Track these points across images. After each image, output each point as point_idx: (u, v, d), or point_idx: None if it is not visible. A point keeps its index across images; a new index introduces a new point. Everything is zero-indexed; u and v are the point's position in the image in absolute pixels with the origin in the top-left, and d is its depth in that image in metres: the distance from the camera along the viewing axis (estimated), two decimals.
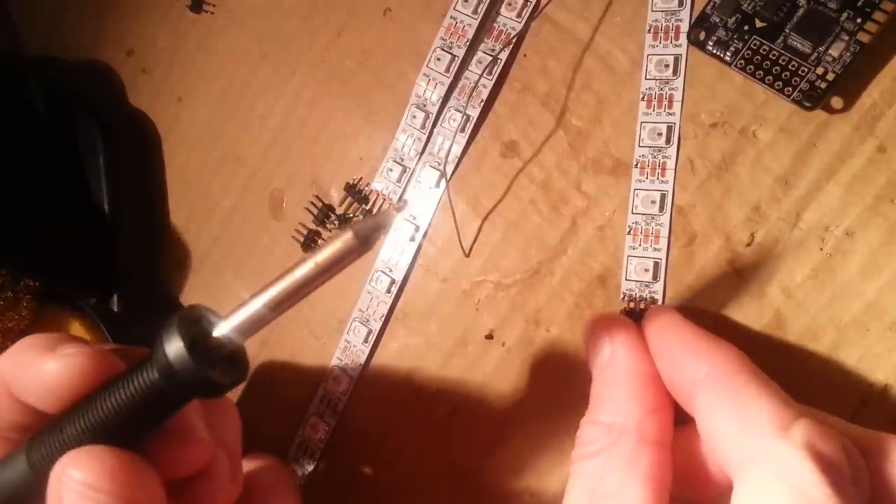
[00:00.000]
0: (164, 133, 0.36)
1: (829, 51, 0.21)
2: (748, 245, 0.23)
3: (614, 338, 0.22)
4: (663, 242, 0.24)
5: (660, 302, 0.24)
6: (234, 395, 0.34)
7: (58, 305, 0.36)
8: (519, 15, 0.26)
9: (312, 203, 0.31)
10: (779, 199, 0.23)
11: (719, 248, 0.24)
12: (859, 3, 0.21)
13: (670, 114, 0.24)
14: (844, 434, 0.17)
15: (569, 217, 0.26)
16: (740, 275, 0.23)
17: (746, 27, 0.23)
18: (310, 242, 0.31)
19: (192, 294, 0.36)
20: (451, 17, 0.27)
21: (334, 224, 0.31)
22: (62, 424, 0.18)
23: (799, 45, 0.22)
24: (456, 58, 0.27)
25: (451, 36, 0.28)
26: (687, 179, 0.24)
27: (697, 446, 0.20)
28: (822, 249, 0.22)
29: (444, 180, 0.28)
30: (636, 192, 0.25)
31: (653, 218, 0.24)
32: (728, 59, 0.23)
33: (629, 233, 0.25)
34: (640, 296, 0.25)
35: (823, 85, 0.22)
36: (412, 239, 0.29)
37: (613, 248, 0.25)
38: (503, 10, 0.27)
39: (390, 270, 0.29)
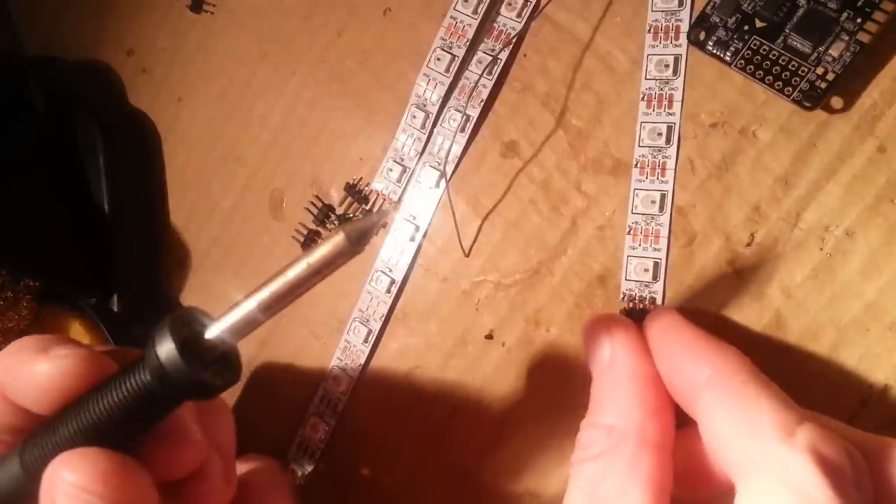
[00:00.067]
0: (164, 133, 0.36)
1: (829, 51, 0.21)
2: (748, 245, 0.23)
3: (614, 338, 0.21)
4: (663, 242, 0.24)
5: (659, 302, 0.24)
6: (234, 395, 0.34)
7: (58, 305, 0.36)
8: (519, 15, 0.26)
9: (312, 203, 0.31)
10: (779, 199, 0.23)
11: (719, 248, 0.24)
12: (859, 3, 0.21)
13: (670, 114, 0.24)
14: (846, 438, 0.17)
15: (569, 217, 0.26)
16: (740, 275, 0.23)
17: (746, 27, 0.23)
18: (310, 242, 0.31)
19: (192, 294, 0.36)
20: (451, 17, 0.27)
21: (334, 224, 0.31)
22: (55, 426, 0.18)
23: (799, 45, 0.22)
24: (456, 58, 0.27)
25: (451, 36, 0.28)
26: (687, 179, 0.24)
27: (698, 447, 0.20)
28: (822, 249, 0.22)
29: (444, 180, 0.28)
30: (636, 191, 0.25)
31: (653, 218, 0.24)
32: (728, 59, 0.23)
33: (629, 233, 0.25)
34: (640, 296, 0.25)
35: (823, 85, 0.21)
36: (412, 239, 0.29)
37: (613, 248, 0.25)
38: (503, 10, 0.27)
39: (390, 270, 0.29)
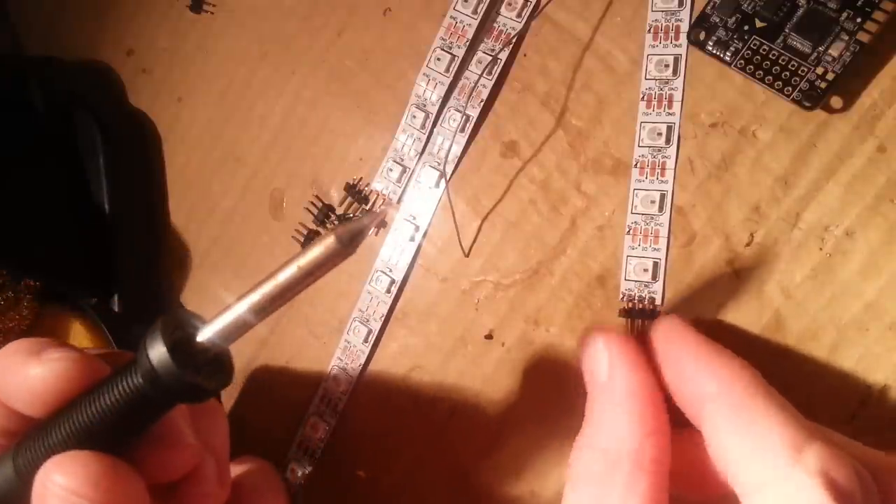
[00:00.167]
0: (164, 133, 0.36)
1: (829, 50, 0.21)
2: (748, 245, 0.23)
3: (613, 354, 0.21)
4: (663, 242, 0.24)
5: (659, 302, 0.24)
6: (234, 395, 0.34)
7: (58, 305, 0.36)
8: (519, 15, 0.26)
9: (312, 203, 0.31)
10: (778, 198, 0.23)
11: (719, 248, 0.24)
12: (859, 3, 0.21)
13: (670, 114, 0.24)
14: (854, 455, 0.17)
15: (568, 217, 0.26)
16: (740, 275, 0.23)
17: (746, 27, 0.23)
18: (310, 243, 0.31)
19: (192, 294, 0.36)
20: (451, 17, 0.27)
21: (334, 224, 0.31)
22: (48, 429, 0.18)
23: (799, 45, 0.22)
24: (456, 58, 0.27)
25: (450, 36, 0.28)
26: (686, 179, 0.24)
27: (701, 449, 0.20)
28: (821, 249, 0.22)
29: (443, 180, 0.28)
30: (636, 191, 0.25)
31: (652, 218, 0.24)
32: (728, 59, 0.23)
33: (628, 233, 0.25)
34: (640, 296, 0.25)
35: (823, 85, 0.21)
36: (412, 239, 0.29)
37: (613, 248, 0.25)
38: (503, 9, 0.27)
39: (390, 270, 0.29)
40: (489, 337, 0.28)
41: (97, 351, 0.22)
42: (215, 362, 0.18)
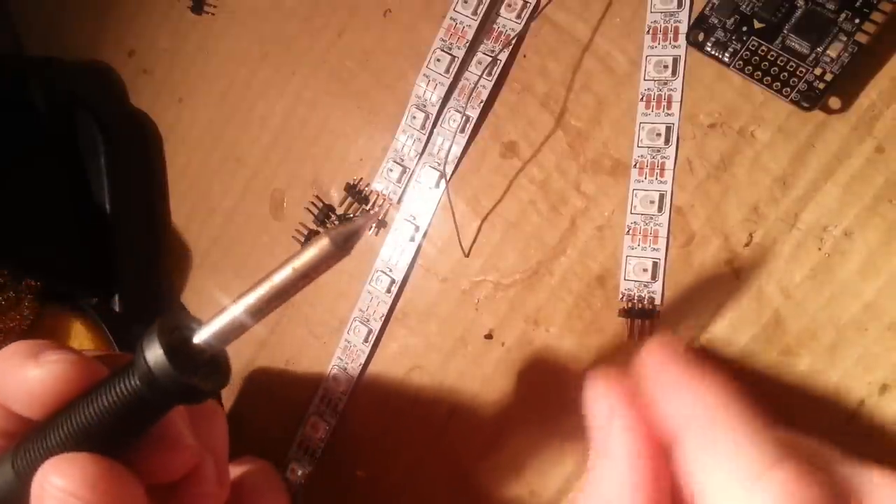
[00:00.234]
0: (165, 133, 0.36)
1: (828, 51, 0.22)
2: (747, 245, 0.23)
3: (613, 423, 0.20)
4: (662, 242, 0.24)
5: (658, 302, 0.24)
6: (234, 395, 0.34)
7: (59, 305, 0.36)
8: (518, 16, 0.27)
9: (313, 203, 0.31)
10: (777, 199, 0.23)
11: (718, 248, 0.24)
12: (857, 4, 0.21)
13: (669, 114, 0.24)
14: (829, 469, 0.17)
15: (568, 217, 0.26)
16: (739, 275, 0.23)
17: (745, 28, 0.23)
18: (304, 244, 0.32)
19: (192, 294, 0.36)
20: (451, 18, 0.28)
21: (334, 224, 0.31)
22: (46, 431, 0.18)
23: (797, 46, 0.22)
24: (456, 59, 0.28)
25: (450, 37, 0.28)
26: (685, 180, 0.24)
27: (676, 469, 0.20)
28: (820, 249, 0.22)
29: (443, 180, 0.28)
30: (635, 192, 0.25)
31: (651, 218, 0.24)
32: (726, 59, 0.23)
33: (628, 233, 0.25)
34: (639, 296, 0.25)
35: (821, 85, 0.22)
36: (412, 239, 0.29)
37: (612, 248, 0.25)
38: (503, 11, 0.27)
39: (390, 270, 0.29)
40: (489, 337, 0.28)
41: (95, 353, 0.22)
42: (212, 363, 0.18)
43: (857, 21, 0.21)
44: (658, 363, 0.20)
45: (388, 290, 0.29)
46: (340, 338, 0.30)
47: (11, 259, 0.34)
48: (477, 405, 0.28)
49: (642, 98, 0.25)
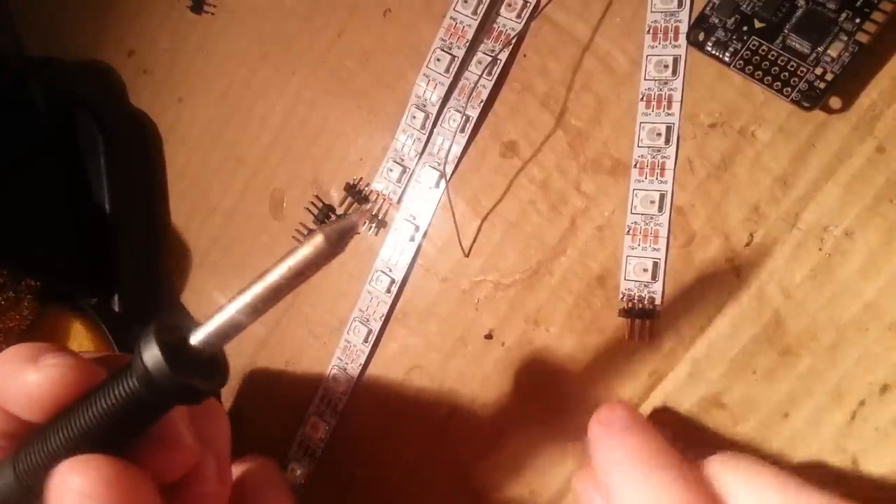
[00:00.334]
0: (165, 133, 0.36)
1: (828, 51, 0.22)
2: (747, 245, 0.23)
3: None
4: (662, 242, 0.24)
5: (658, 302, 0.24)
6: (234, 395, 0.34)
7: (59, 305, 0.36)
8: (518, 15, 0.27)
9: (313, 203, 0.31)
10: (778, 199, 0.23)
11: (718, 247, 0.24)
12: (858, 4, 0.21)
13: (669, 114, 0.24)
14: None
15: (568, 217, 0.26)
16: (739, 274, 0.23)
17: (745, 28, 0.23)
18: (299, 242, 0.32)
19: (192, 294, 0.36)
20: (451, 17, 0.28)
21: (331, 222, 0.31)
22: (47, 434, 0.18)
23: (798, 46, 0.22)
24: (456, 58, 0.28)
25: (450, 36, 0.28)
26: (686, 179, 0.24)
27: None
28: (821, 249, 0.22)
29: (443, 180, 0.28)
30: (635, 192, 0.25)
31: (652, 218, 0.24)
32: (727, 59, 0.23)
33: (628, 233, 0.25)
34: (639, 296, 0.25)
35: (822, 85, 0.22)
36: (412, 239, 0.29)
37: (612, 248, 0.25)
38: (503, 10, 0.27)
39: (390, 270, 0.29)
40: (489, 337, 0.28)
41: (94, 355, 0.22)
42: (210, 363, 0.18)
43: (857, 21, 0.21)
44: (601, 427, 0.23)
45: (388, 290, 0.29)
46: (340, 338, 0.30)
47: (11, 259, 0.34)
48: (477, 405, 0.28)
49: (642, 98, 0.25)
